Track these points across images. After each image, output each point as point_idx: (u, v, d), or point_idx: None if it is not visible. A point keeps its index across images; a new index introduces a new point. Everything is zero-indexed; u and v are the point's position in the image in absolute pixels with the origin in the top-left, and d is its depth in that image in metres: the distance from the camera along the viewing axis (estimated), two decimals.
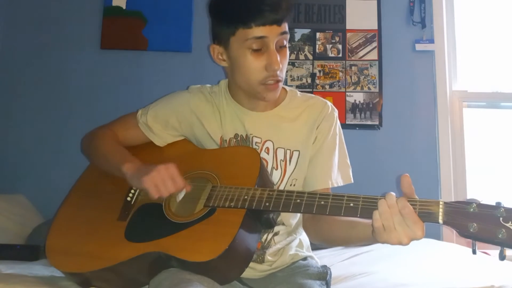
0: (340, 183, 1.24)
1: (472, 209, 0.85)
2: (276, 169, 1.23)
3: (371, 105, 2.24)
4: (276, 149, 1.24)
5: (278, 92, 1.22)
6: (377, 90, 2.25)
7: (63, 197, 1.33)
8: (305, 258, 1.27)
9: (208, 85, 1.36)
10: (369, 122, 2.24)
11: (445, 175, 2.20)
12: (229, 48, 1.18)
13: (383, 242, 0.92)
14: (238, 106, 1.28)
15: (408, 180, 0.91)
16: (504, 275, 1.36)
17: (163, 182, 1.10)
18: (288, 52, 1.21)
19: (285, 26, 1.17)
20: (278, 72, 1.16)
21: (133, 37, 2.29)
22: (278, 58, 1.15)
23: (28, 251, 1.60)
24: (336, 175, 1.24)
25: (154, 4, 2.30)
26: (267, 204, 1.03)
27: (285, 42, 1.18)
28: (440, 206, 0.87)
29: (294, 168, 1.24)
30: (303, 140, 1.25)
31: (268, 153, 1.24)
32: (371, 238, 0.96)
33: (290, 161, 1.24)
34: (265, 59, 1.15)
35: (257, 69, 1.16)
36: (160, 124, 1.32)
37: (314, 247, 1.51)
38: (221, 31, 1.19)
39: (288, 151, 1.24)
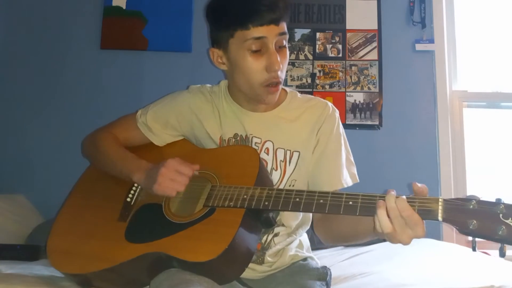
0: (350, 183, 1.22)
1: (471, 206, 0.85)
2: (276, 169, 1.23)
3: (371, 105, 2.24)
4: (276, 149, 1.24)
5: (278, 95, 1.22)
6: (377, 90, 2.25)
7: (63, 197, 1.33)
8: (305, 259, 1.27)
9: (208, 85, 1.36)
10: (369, 122, 2.23)
11: (445, 175, 2.20)
12: (229, 51, 1.18)
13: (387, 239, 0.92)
14: (238, 106, 1.27)
15: (417, 187, 0.91)
16: (504, 275, 1.36)
17: (173, 181, 1.11)
18: (288, 53, 1.20)
19: (284, 26, 1.16)
20: (278, 73, 1.16)
21: (133, 37, 2.29)
22: (278, 59, 1.15)
23: (28, 251, 1.60)
24: (346, 175, 1.22)
25: (154, 4, 2.30)
26: (266, 203, 1.03)
27: (285, 43, 1.17)
28: (440, 203, 0.87)
29: (294, 169, 1.23)
30: (304, 141, 1.24)
31: (268, 154, 1.23)
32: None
33: (290, 161, 1.23)
34: (265, 60, 1.15)
35: (257, 70, 1.15)
36: (160, 124, 1.32)
37: (314, 247, 1.51)
38: (219, 34, 1.19)
39: (288, 152, 1.24)
